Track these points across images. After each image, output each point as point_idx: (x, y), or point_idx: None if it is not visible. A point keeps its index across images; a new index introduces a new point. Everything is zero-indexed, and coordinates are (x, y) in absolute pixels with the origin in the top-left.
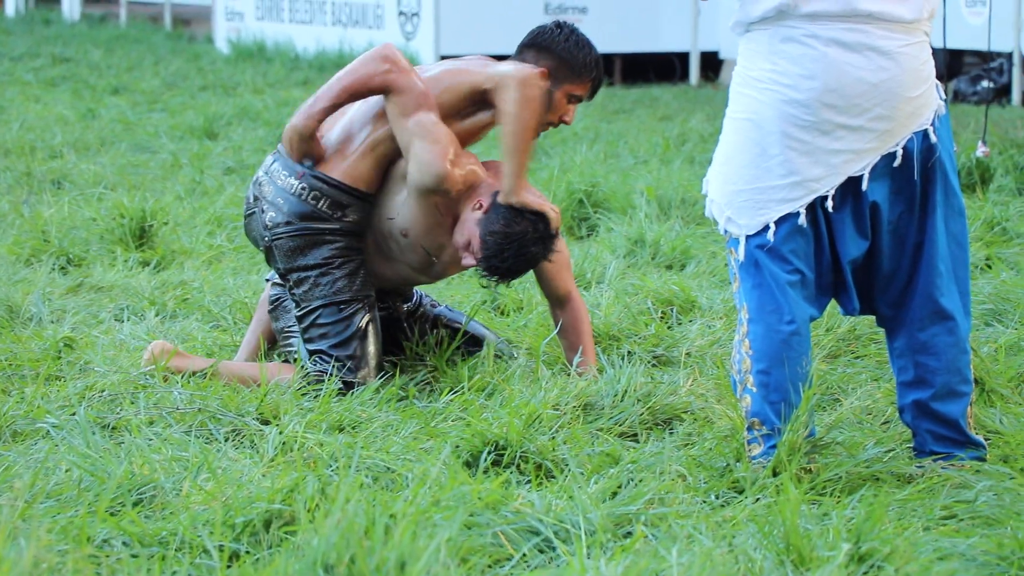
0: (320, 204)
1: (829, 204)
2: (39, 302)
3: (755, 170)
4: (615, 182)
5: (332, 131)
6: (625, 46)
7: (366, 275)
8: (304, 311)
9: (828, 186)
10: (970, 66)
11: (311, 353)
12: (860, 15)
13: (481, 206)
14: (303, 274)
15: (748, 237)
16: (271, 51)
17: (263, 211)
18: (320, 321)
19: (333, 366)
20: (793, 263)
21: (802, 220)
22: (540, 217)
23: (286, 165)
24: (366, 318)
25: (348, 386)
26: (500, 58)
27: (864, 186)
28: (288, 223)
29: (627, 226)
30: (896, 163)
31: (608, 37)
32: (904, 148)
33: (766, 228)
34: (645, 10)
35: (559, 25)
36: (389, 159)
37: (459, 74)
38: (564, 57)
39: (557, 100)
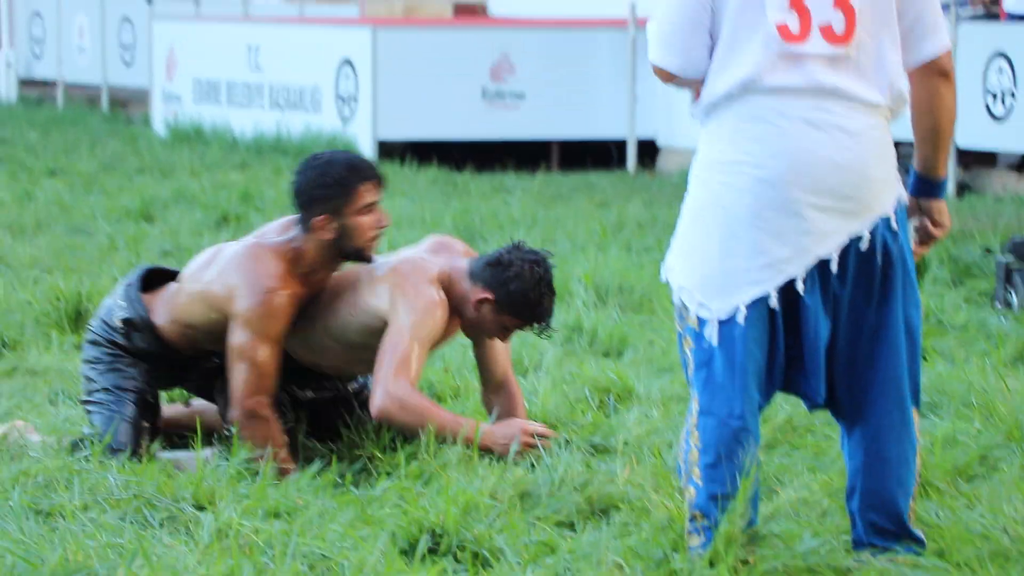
0: (116, 316)
1: (800, 286)
2: None
3: (723, 253)
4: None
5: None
6: (562, 132)
7: (144, 371)
8: (85, 400)
9: (798, 267)
10: (904, 157)
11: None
12: (825, 91)
13: (480, 301)
14: (86, 362)
15: (716, 323)
16: (209, 134)
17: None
18: (95, 410)
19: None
20: (754, 350)
21: (773, 302)
22: (513, 253)
23: (129, 276)
24: (135, 405)
25: (114, 451)
26: (436, 147)
27: (834, 268)
28: (93, 322)
29: (564, 313)
30: (863, 247)
31: (545, 123)
32: (870, 232)
33: (735, 311)
34: (582, 97)
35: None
36: (206, 330)
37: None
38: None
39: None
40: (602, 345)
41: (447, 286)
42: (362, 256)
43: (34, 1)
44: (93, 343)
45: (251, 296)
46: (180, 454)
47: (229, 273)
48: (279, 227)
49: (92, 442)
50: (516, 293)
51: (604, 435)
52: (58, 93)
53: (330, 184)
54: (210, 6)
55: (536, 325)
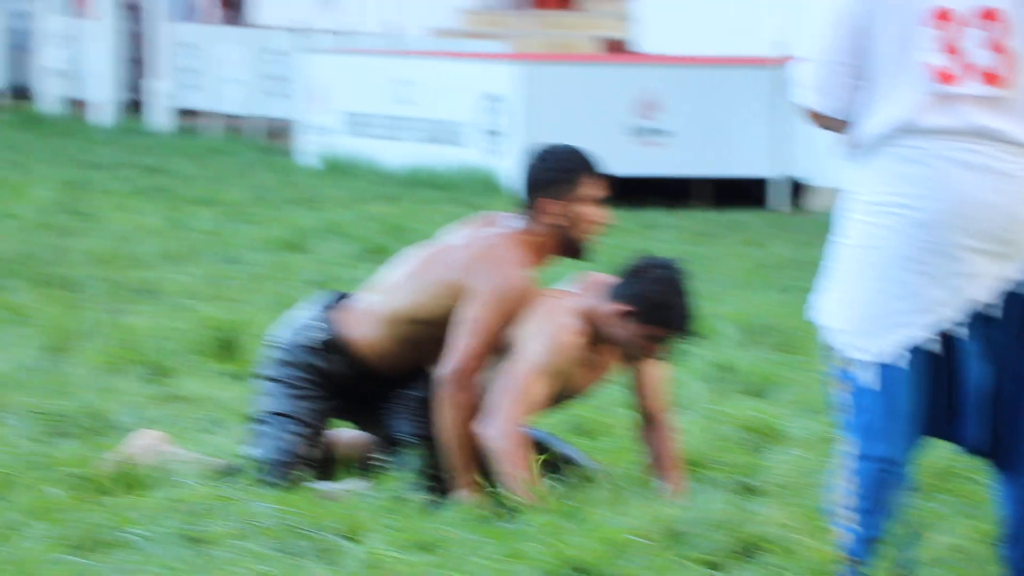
0: (313, 337)
1: (957, 329)
2: (127, 412)
3: (878, 295)
4: (699, 306)
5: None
6: (709, 170)
7: (322, 410)
8: (255, 417)
9: (953, 310)
10: None
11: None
12: (980, 133)
13: (623, 315)
14: (269, 380)
15: (872, 365)
16: (358, 166)
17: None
18: (260, 434)
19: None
20: (911, 393)
21: (931, 345)
22: (645, 262)
23: (323, 297)
24: (301, 444)
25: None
26: None
27: (996, 313)
28: (284, 338)
29: (712, 351)
30: (1020, 290)
31: (691, 160)
32: None
33: (891, 355)
34: (729, 134)
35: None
36: (412, 342)
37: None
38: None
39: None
40: (751, 384)
41: (590, 317)
42: (579, 250)
43: (190, 33)
44: (285, 363)
45: (502, 279)
46: (330, 485)
47: (476, 261)
48: (482, 223)
49: (245, 470)
50: (655, 298)
51: (752, 475)
52: (211, 123)
53: (554, 168)
54: (362, 40)
55: (680, 330)
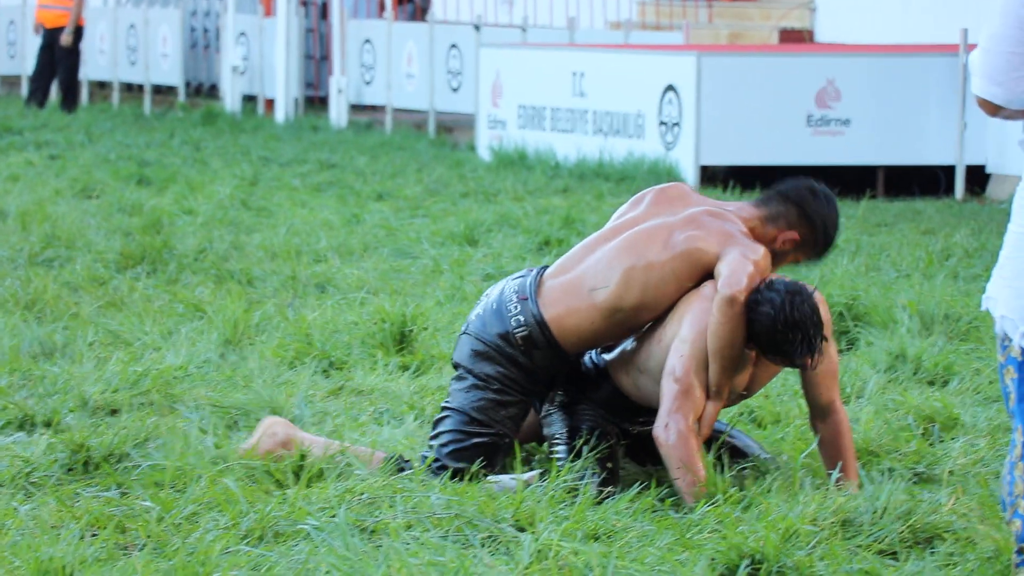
0: (517, 331)
1: None
2: (302, 404)
3: None
4: (876, 296)
5: (574, 268)
6: (888, 158)
7: (514, 414)
8: (444, 406)
9: None
10: None
11: (430, 439)
12: None
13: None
14: (466, 374)
15: None
16: (532, 159)
17: (479, 306)
18: (445, 427)
19: (432, 468)
20: None
21: None
22: (775, 294)
23: (521, 286)
24: (484, 445)
25: (442, 469)
26: (759, 172)
27: None
28: (482, 330)
29: (888, 340)
30: None
31: (871, 149)
32: None
33: None
34: (909, 122)
35: (827, 198)
36: (622, 327)
37: (696, 242)
38: (820, 235)
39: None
40: (927, 373)
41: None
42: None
43: (365, 29)
44: (486, 357)
45: (754, 251)
46: (502, 476)
47: (723, 233)
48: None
49: (417, 461)
50: (763, 333)
51: (928, 464)
52: (386, 118)
53: (830, 235)
54: (536, 33)
55: (797, 361)
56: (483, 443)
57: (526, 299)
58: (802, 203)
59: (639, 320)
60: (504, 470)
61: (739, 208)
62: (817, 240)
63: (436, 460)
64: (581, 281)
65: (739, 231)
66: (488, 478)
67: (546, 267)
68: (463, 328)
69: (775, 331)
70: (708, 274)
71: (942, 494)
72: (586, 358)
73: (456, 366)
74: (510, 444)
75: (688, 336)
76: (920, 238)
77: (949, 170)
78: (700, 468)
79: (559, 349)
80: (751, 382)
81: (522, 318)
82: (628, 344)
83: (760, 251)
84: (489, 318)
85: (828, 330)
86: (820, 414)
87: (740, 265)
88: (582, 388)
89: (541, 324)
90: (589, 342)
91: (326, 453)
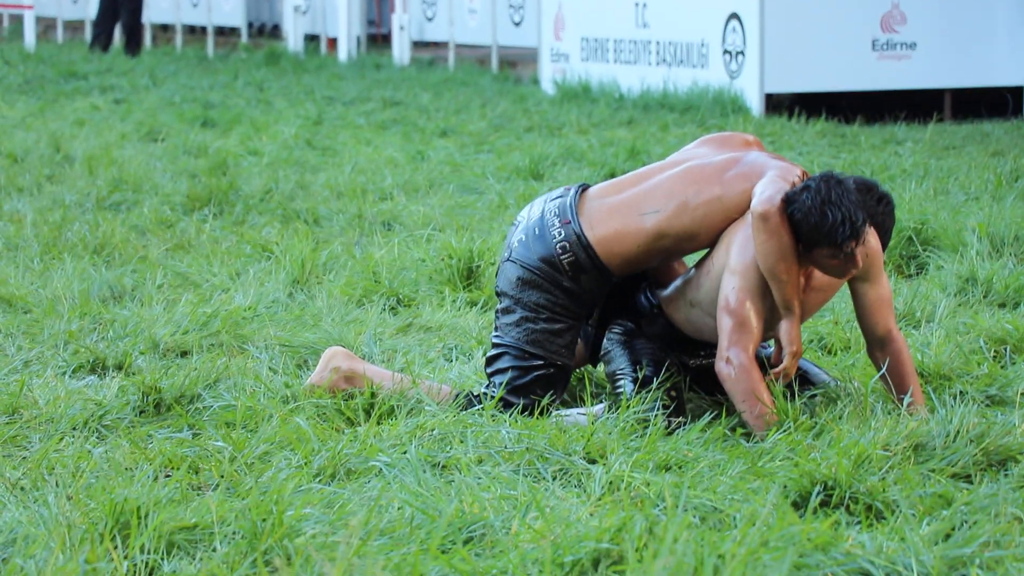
0: (563, 257)
1: None
2: (371, 342)
3: None
4: (945, 219)
5: (627, 191)
6: (955, 81)
7: (568, 341)
8: (497, 343)
9: None
10: None
11: (488, 376)
12: None
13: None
14: (513, 305)
15: None
16: (596, 91)
17: (517, 230)
18: (503, 364)
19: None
20: None
21: None
22: (811, 182)
23: (562, 207)
24: (545, 376)
25: (508, 405)
26: (825, 98)
27: None
28: (527, 256)
29: (958, 264)
30: None
31: (938, 72)
32: None
33: None
34: (977, 43)
35: (882, 199)
36: (664, 253)
37: (741, 180)
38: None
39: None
40: (997, 296)
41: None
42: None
43: None
44: (533, 285)
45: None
46: (571, 410)
47: (767, 164)
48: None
49: (486, 396)
50: (803, 223)
51: (1000, 387)
52: (449, 54)
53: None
54: None
55: (843, 244)
56: (543, 375)
57: (569, 223)
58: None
59: (681, 249)
60: (570, 404)
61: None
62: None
63: (500, 398)
64: (636, 203)
65: (785, 163)
66: (557, 412)
67: (586, 185)
68: (505, 255)
69: (815, 214)
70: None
71: (1015, 416)
72: (640, 296)
73: (501, 295)
74: (569, 370)
75: (736, 266)
76: (988, 160)
77: (1016, 91)
78: (767, 397)
79: (606, 271)
80: (801, 310)
81: (567, 244)
82: (679, 280)
83: (796, 171)
84: (533, 243)
85: (879, 259)
86: (878, 344)
87: (772, 183)
88: (638, 324)
89: (587, 247)
90: (633, 264)
91: (395, 386)
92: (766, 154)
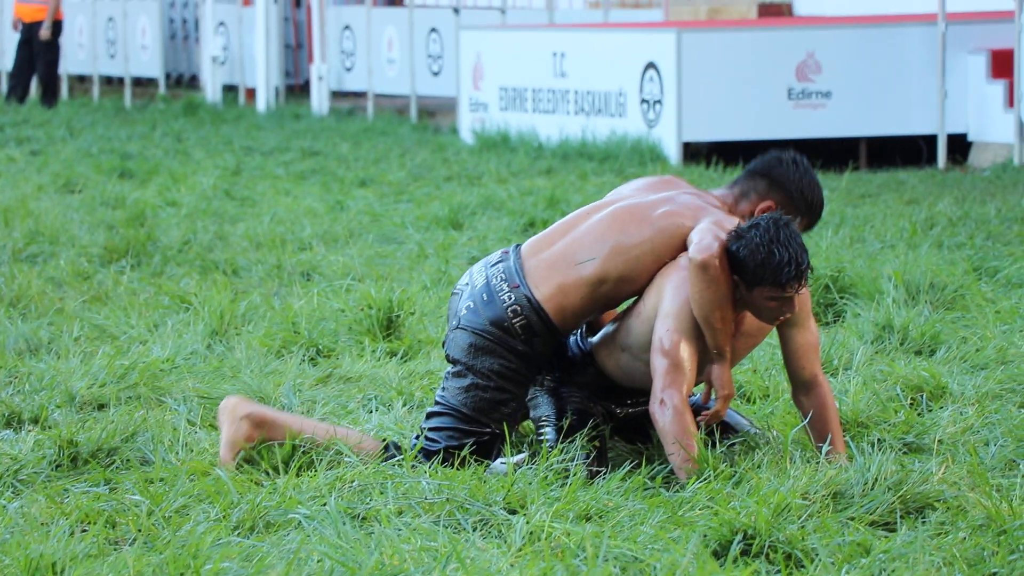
0: (515, 321)
1: None
2: (290, 393)
3: None
4: (861, 267)
5: (558, 242)
6: (870, 129)
7: (512, 410)
8: (440, 402)
9: None
10: None
11: (424, 430)
12: None
13: (736, 285)
14: (466, 371)
15: None
16: (515, 141)
17: (462, 298)
18: (442, 424)
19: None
20: None
21: None
22: (759, 222)
23: (508, 271)
24: (480, 442)
25: (427, 455)
26: (742, 147)
27: None
28: (478, 323)
29: (874, 311)
30: None
31: (853, 120)
32: None
33: None
34: (891, 92)
35: (795, 161)
36: (607, 299)
37: (672, 218)
38: (797, 198)
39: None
40: (913, 343)
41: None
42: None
43: (345, 15)
44: (487, 351)
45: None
46: (491, 462)
47: (697, 207)
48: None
49: (406, 448)
50: (749, 260)
51: (917, 434)
52: (368, 104)
53: (806, 194)
54: (515, 14)
55: (786, 284)
56: (479, 440)
57: (517, 286)
58: (768, 172)
59: (620, 293)
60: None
61: (716, 194)
62: (796, 204)
63: (429, 452)
64: (569, 253)
65: (714, 206)
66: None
67: (519, 246)
68: (452, 323)
69: (762, 252)
70: (685, 248)
71: (932, 463)
72: (571, 342)
73: (454, 362)
74: (503, 437)
75: (671, 309)
76: (904, 208)
77: (931, 140)
78: (693, 444)
79: (557, 332)
80: (732, 355)
81: (518, 307)
82: (610, 325)
83: (733, 220)
84: (483, 309)
85: (808, 304)
86: (803, 388)
87: (709, 231)
88: (568, 372)
89: (538, 310)
90: (580, 316)
91: (314, 435)
92: (695, 194)
